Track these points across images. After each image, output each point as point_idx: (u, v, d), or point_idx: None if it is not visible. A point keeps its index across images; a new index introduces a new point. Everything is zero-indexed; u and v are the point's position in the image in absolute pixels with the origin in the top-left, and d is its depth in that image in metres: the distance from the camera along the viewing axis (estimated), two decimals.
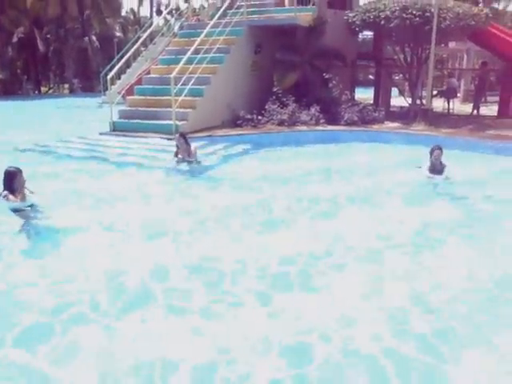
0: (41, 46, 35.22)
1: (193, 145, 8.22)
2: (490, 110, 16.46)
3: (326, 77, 12.50)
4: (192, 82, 10.67)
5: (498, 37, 14.62)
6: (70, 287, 3.97)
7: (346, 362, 3.03)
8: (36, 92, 36.13)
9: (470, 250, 4.89)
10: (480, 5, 20.76)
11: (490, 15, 14.10)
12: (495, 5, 27.71)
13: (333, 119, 12.14)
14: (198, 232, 5.37)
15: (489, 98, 19.39)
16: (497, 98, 16.40)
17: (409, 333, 3.32)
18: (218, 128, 11.13)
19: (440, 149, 7.30)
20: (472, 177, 7.83)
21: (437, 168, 7.35)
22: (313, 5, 13.28)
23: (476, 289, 4.05)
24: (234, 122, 11.51)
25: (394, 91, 18.02)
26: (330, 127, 11.76)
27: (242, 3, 12.71)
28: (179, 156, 8.13)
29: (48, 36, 37.75)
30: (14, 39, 34.53)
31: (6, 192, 5.46)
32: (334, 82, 12.42)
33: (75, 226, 5.32)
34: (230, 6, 12.72)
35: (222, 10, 12.55)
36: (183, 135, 8.18)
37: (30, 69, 38.46)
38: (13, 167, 5.54)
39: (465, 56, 24.94)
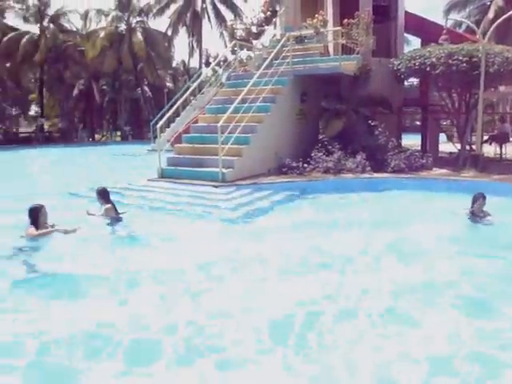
0: (97, 97, 37.49)
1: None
2: None
3: (372, 124, 12.47)
4: (238, 130, 10.81)
5: None
6: None
7: None
8: (90, 139, 38.03)
9: None
10: None
11: None
12: None
13: (379, 166, 11.93)
14: None
15: None
16: None
17: None
18: (264, 176, 11.18)
19: (483, 197, 7.39)
20: None
21: (478, 214, 7.43)
22: (357, 53, 13.47)
23: None
24: (280, 169, 11.56)
25: (442, 137, 17.71)
26: (376, 175, 11.57)
27: (288, 54, 13.04)
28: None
29: (104, 87, 40.16)
30: (75, 91, 37.14)
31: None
32: (379, 129, 12.35)
33: None
34: (275, 57, 13.07)
35: (268, 60, 12.88)
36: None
37: (86, 118, 40.94)
38: (36, 204, 6.42)
39: None
